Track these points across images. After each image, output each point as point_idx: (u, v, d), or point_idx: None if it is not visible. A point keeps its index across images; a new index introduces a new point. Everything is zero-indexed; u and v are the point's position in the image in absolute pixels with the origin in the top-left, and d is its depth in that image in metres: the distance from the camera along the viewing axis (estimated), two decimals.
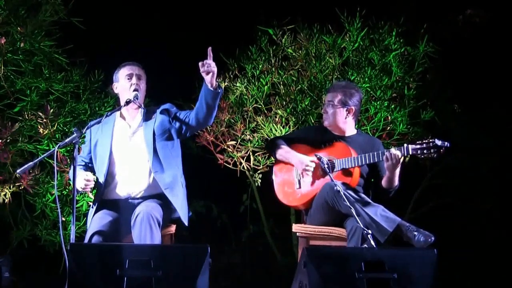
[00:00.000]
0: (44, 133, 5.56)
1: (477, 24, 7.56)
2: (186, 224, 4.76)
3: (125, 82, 4.81)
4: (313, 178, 4.89)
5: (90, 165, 4.87)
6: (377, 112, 6.12)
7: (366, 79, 6.14)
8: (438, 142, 4.51)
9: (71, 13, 5.86)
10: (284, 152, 4.99)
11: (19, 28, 5.64)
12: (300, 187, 4.94)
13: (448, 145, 4.52)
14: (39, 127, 5.57)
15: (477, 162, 7.29)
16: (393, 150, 4.61)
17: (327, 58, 6.21)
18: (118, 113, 4.88)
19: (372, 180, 4.97)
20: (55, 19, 5.83)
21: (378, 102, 6.12)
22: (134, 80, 4.79)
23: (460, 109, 7.19)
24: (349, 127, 5.02)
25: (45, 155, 4.62)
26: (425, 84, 6.55)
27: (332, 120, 5.00)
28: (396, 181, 4.78)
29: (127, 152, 4.76)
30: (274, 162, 5.16)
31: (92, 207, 4.71)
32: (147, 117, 4.86)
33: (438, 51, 6.32)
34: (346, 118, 4.98)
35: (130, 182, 4.74)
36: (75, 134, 4.35)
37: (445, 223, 7.27)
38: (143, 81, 4.85)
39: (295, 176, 4.97)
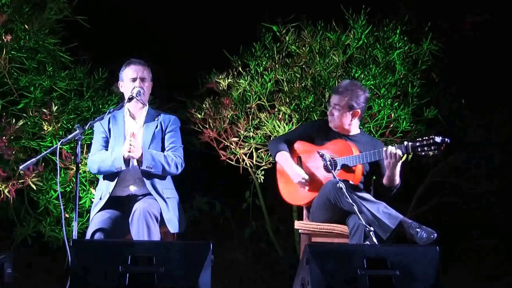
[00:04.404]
0: (48, 130, 5.57)
1: (482, 23, 7.55)
2: (174, 232, 4.72)
3: (129, 84, 4.83)
4: (316, 177, 4.90)
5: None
6: (381, 110, 6.11)
7: (370, 77, 6.13)
8: (438, 139, 4.49)
9: (75, 11, 5.88)
10: (283, 159, 5.00)
11: (26, 26, 5.65)
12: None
13: (449, 141, 4.50)
14: (43, 124, 5.58)
15: (479, 160, 7.29)
16: (394, 148, 4.61)
17: (331, 55, 6.20)
18: (126, 111, 4.90)
19: (374, 177, 4.97)
20: (60, 17, 5.85)
21: (381, 100, 6.12)
22: (137, 83, 4.80)
23: (465, 106, 7.19)
24: (353, 128, 5.04)
25: (47, 151, 4.64)
26: (428, 82, 6.55)
27: (338, 122, 5.00)
28: (397, 180, 4.78)
29: None
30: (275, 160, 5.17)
31: (99, 200, 4.72)
32: (150, 117, 4.89)
33: (442, 49, 6.31)
34: (351, 120, 4.98)
35: (132, 180, 4.76)
36: (77, 131, 4.35)
37: (448, 220, 7.27)
38: (147, 82, 4.86)
39: None
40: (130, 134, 4.65)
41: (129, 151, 4.55)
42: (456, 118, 7.12)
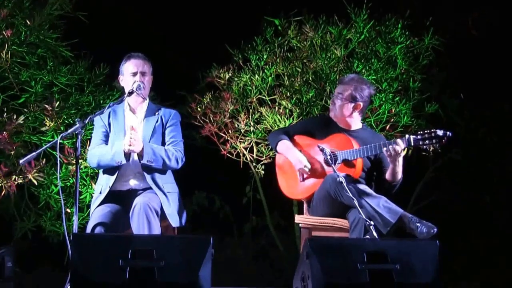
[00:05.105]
0: (50, 125, 5.58)
1: (484, 20, 7.55)
2: (176, 226, 4.71)
3: (130, 78, 4.81)
4: (316, 170, 4.89)
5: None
6: (382, 104, 6.11)
7: (372, 72, 6.13)
8: (440, 132, 4.49)
9: (76, 6, 5.90)
10: (285, 147, 4.98)
11: (27, 21, 5.66)
12: (303, 180, 4.93)
13: (450, 134, 4.51)
14: (46, 119, 5.59)
15: (479, 156, 7.29)
16: (395, 142, 4.61)
17: (333, 49, 6.20)
18: (126, 105, 4.88)
19: (375, 173, 4.96)
20: (61, 13, 5.86)
21: (383, 94, 6.12)
22: (138, 77, 4.78)
23: (464, 101, 7.19)
24: (354, 122, 5.02)
25: (47, 145, 4.61)
26: (429, 77, 6.55)
27: (339, 112, 4.99)
28: (400, 174, 4.77)
29: None
30: (275, 154, 5.16)
31: (99, 194, 4.71)
32: (150, 112, 4.86)
33: (443, 44, 6.31)
34: (352, 113, 4.97)
35: (133, 174, 4.76)
36: (78, 125, 4.33)
37: (448, 215, 7.28)
38: (147, 76, 4.83)
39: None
40: (130, 128, 4.64)
41: (130, 145, 4.55)
42: (456, 114, 7.12)
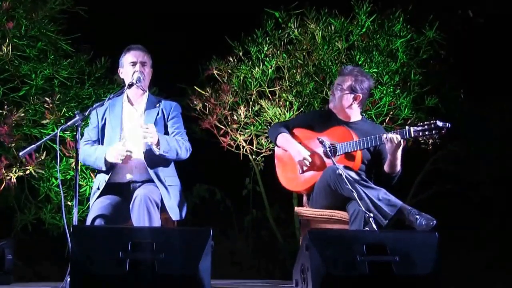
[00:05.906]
0: (51, 118, 5.59)
1: (484, 15, 7.55)
2: (176, 220, 4.71)
3: (129, 69, 4.79)
4: (316, 163, 4.90)
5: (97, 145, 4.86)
6: (383, 97, 6.12)
7: (373, 64, 6.13)
8: (439, 123, 4.52)
9: (78, 2, 5.91)
10: (285, 140, 4.99)
11: (33, 14, 5.67)
12: (303, 172, 4.94)
13: (449, 125, 4.53)
14: (46, 112, 5.59)
15: (478, 149, 7.30)
16: (394, 134, 4.62)
17: (334, 41, 6.20)
18: (125, 97, 4.86)
19: (375, 165, 4.97)
20: (63, 8, 5.87)
21: (384, 87, 6.12)
22: (137, 67, 4.76)
23: (464, 96, 7.19)
24: (354, 113, 5.02)
25: (47, 137, 4.60)
26: (429, 71, 6.55)
27: (338, 103, 5.00)
28: (398, 166, 4.78)
29: (132, 137, 4.75)
30: (274, 147, 5.16)
31: (97, 190, 4.71)
32: (151, 104, 4.85)
33: (444, 38, 6.32)
34: (351, 104, 4.98)
35: (133, 166, 4.75)
36: (77, 117, 4.32)
37: (447, 208, 7.28)
38: (147, 67, 4.81)
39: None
40: (140, 126, 4.61)
41: (145, 138, 4.53)
42: (455, 108, 7.13)
